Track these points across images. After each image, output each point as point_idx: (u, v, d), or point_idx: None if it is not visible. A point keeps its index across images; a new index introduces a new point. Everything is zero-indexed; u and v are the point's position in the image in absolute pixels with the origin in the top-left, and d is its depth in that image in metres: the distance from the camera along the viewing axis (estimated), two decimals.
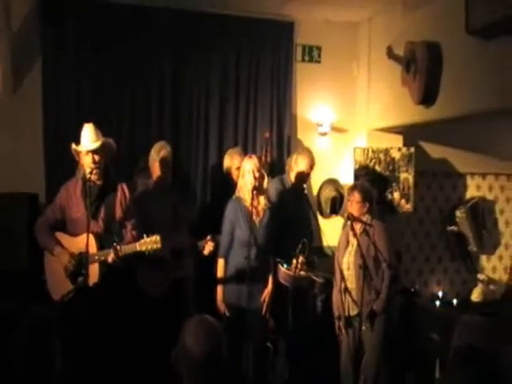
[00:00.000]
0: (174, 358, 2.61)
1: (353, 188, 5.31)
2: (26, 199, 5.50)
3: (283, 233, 5.12)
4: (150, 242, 4.36)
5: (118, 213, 4.71)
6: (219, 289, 4.96)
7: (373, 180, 6.41)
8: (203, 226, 5.42)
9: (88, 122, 4.67)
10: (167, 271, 5.03)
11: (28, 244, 5.16)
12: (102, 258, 4.45)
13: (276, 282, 5.07)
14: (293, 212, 5.69)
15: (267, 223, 5.00)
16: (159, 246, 4.36)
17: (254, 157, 5.06)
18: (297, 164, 5.80)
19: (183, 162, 6.21)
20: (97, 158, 4.55)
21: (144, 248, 4.38)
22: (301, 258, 5.05)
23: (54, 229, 4.71)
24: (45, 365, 2.68)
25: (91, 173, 4.53)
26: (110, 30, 6.11)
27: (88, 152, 4.54)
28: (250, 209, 4.89)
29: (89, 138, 4.56)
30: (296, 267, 5.04)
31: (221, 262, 5.02)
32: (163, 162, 5.28)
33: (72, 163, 4.73)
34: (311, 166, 5.84)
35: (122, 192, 4.77)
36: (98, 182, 4.63)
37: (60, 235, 4.69)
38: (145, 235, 4.40)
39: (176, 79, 6.39)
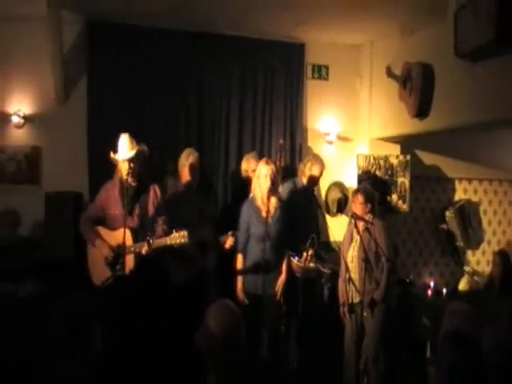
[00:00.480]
0: (198, 339, 2.59)
1: (356, 191, 5.31)
2: (73, 197, 5.60)
3: (294, 229, 5.10)
4: (179, 237, 4.38)
5: (151, 210, 4.74)
6: (239, 280, 4.92)
7: (374, 183, 6.42)
8: (225, 223, 5.42)
9: (125, 131, 4.71)
10: (192, 263, 5.05)
11: (74, 236, 5.23)
12: (137, 249, 4.47)
13: (289, 272, 5.04)
14: (303, 211, 5.70)
15: (278, 220, 4.93)
16: (187, 240, 4.39)
17: (270, 162, 4.98)
18: (310, 169, 5.82)
19: (207, 167, 6.21)
20: (132, 164, 4.59)
21: (173, 242, 4.40)
22: (310, 251, 5.04)
23: (96, 223, 4.76)
24: (84, 344, 2.64)
25: (127, 176, 4.58)
26: (144, 51, 6.17)
27: (124, 160, 4.60)
28: (263, 208, 4.87)
29: (125, 147, 4.60)
30: (306, 259, 5.04)
31: (239, 257, 4.99)
32: (191, 167, 5.32)
33: (111, 167, 4.76)
34: (322, 172, 5.88)
35: (154, 192, 4.79)
36: (133, 184, 4.66)
37: (101, 229, 4.73)
38: (174, 230, 4.42)
39: (201, 95, 6.44)
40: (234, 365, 2.58)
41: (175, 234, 4.41)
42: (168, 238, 4.44)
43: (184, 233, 4.39)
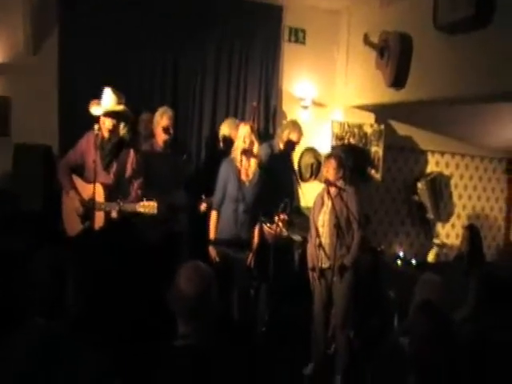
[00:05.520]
0: (168, 298, 2.58)
1: (329, 156, 5.29)
2: (42, 150, 5.48)
3: (270, 194, 5.11)
4: (148, 206, 4.40)
5: (128, 171, 4.70)
6: (211, 236, 4.99)
7: (347, 151, 6.41)
8: (197, 187, 5.43)
9: (97, 85, 4.63)
10: (163, 225, 5.00)
11: (43, 189, 5.18)
12: (108, 209, 4.46)
13: (261, 237, 5.10)
14: (280, 175, 5.70)
15: (256, 183, 5.03)
16: (155, 211, 4.41)
17: (247, 124, 5.12)
18: (288, 135, 5.81)
19: (181, 129, 6.13)
20: (114, 121, 4.54)
21: (142, 210, 4.42)
22: (282, 216, 5.04)
23: (74, 171, 4.73)
24: (57, 296, 2.63)
25: (108, 133, 4.55)
26: (119, 6, 5.97)
27: (107, 113, 4.51)
28: (242, 169, 4.95)
29: (111, 101, 4.52)
30: (277, 225, 5.03)
31: (214, 214, 5.05)
32: (166, 126, 5.24)
33: (84, 119, 4.67)
34: (300, 139, 5.89)
35: (135, 154, 4.74)
36: (112, 140, 4.61)
37: (76, 179, 4.71)
38: (144, 199, 4.44)
39: (176, 57, 6.31)
40: (204, 321, 2.57)
41: (145, 203, 4.43)
42: (137, 206, 4.45)
43: (154, 203, 4.41)
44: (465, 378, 2.90)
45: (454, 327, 3.08)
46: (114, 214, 4.44)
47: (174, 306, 2.56)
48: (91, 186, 4.44)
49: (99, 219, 4.47)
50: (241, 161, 4.97)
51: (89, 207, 4.47)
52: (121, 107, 4.57)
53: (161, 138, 5.26)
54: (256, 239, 5.05)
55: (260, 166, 5.11)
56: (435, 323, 2.93)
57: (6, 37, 5.77)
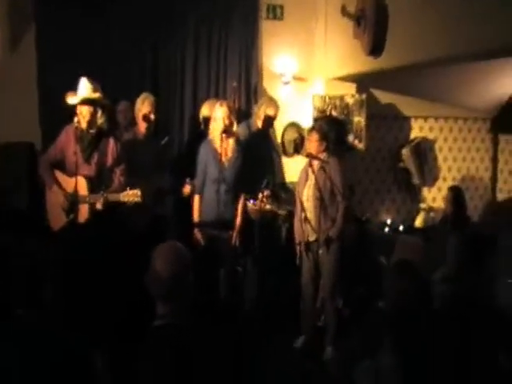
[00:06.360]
0: (146, 280, 2.58)
1: (311, 129, 5.34)
2: (24, 147, 5.54)
3: (250, 172, 5.15)
4: (132, 195, 4.41)
5: (109, 160, 4.69)
6: (195, 220, 5.04)
7: (329, 123, 6.44)
8: (181, 170, 5.46)
9: (76, 78, 4.62)
10: (148, 210, 5.04)
11: (28, 186, 5.23)
12: (92, 201, 4.48)
13: (244, 214, 5.14)
14: (258, 153, 5.69)
15: (235, 162, 5.05)
16: (139, 199, 4.42)
17: (224, 104, 5.08)
18: (264, 111, 5.80)
19: (162, 112, 6.05)
20: (92, 109, 4.53)
21: (126, 199, 4.44)
22: (265, 193, 5.08)
23: (55, 167, 4.73)
24: (37, 291, 2.64)
25: (86, 123, 4.53)
26: None
27: (84, 102, 4.51)
28: (219, 150, 4.95)
29: (86, 89, 4.53)
30: (261, 201, 5.08)
31: (196, 198, 5.10)
32: (147, 113, 5.27)
33: (63, 114, 4.68)
34: (277, 113, 5.87)
35: (114, 141, 4.73)
36: (91, 131, 4.61)
37: (58, 174, 4.71)
38: (128, 188, 4.45)
39: (155, 39, 6.32)
40: (182, 301, 2.58)
41: (128, 192, 4.44)
42: (121, 195, 4.46)
43: (137, 192, 4.42)
44: (442, 337, 2.94)
45: (429, 286, 3.10)
46: (98, 206, 4.45)
47: (151, 288, 2.57)
48: (73, 179, 4.48)
49: (84, 212, 4.50)
50: (221, 141, 4.95)
51: (73, 201, 4.49)
52: (97, 94, 4.57)
53: (142, 125, 5.30)
54: (239, 217, 5.09)
55: (238, 144, 5.12)
56: (410, 281, 2.96)
57: None
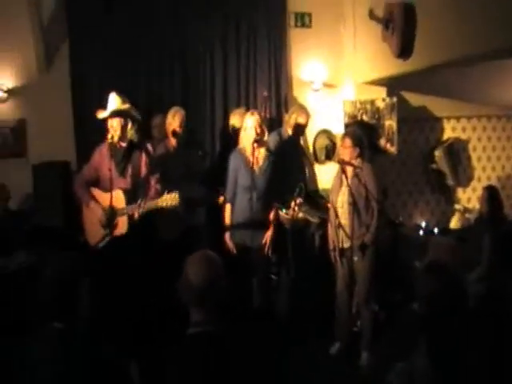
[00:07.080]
0: (178, 289, 2.60)
1: (344, 135, 5.28)
2: (60, 166, 5.63)
3: (281, 180, 5.15)
4: (170, 199, 4.38)
5: (143, 170, 4.75)
6: (227, 229, 5.06)
7: (361, 128, 6.41)
8: (213, 180, 5.51)
9: (109, 91, 4.72)
10: (181, 221, 5.09)
11: (63, 204, 5.32)
12: (130, 212, 4.50)
13: (277, 223, 5.12)
14: (289, 161, 5.70)
15: (266, 170, 5.04)
16: (178, 202, 4.39)
17: (255, 113, 5.08)
18: (296, 119, 5.80)
19: (194, 123, 6.18)
20: (121, 121, 4.61)
21: (164, 204, 4.41)
22: (298, 201, 5.06)
23: (90, 185, 4.80)
24: (72, 304, 2.67)
25: (116, 135, 4.61)
26: (124, 13, 6.11)
27: (113, 115, 4.60)
28: (251, 158, 4.94)
29: (115, 103, 4.62)
30: (293, 209, 5.06)
31: (228, 207, 5.12)
32: (176, 128, 5.35)
33: (97, 132, 4.79)
34: (308, 120, 5.87)
35: (146, 151, 4.80)
36: (123, 144, 4.69)
37: (95, 191, 4.77)
38: (166, 192, 4.44)
39: (184, 52, 6.42)
40: (217, 309, 2.61)
41: (166, 196, 4.42)
42: (159, 200, 4.45)
43: (175, 195, 4.39)
44: (476, 336, 2.90)
45: (463, 286, 3.06)
46: (136, 215, 4.46)
47: (184, 296, 2.59)
48: (109, 194, 4.53)
49: (122, 224, 4.54)
50: (253, 150, 4.93)
51: (111, 214, 4.54)
52: (126, 106, 4.65)
53: (172, 139, 5.41)
54: (272, 226, 5.06)
55: (269, 152, 5.12)
56: (439, 282, 2.92)
57: (17, 59, 5.93)
